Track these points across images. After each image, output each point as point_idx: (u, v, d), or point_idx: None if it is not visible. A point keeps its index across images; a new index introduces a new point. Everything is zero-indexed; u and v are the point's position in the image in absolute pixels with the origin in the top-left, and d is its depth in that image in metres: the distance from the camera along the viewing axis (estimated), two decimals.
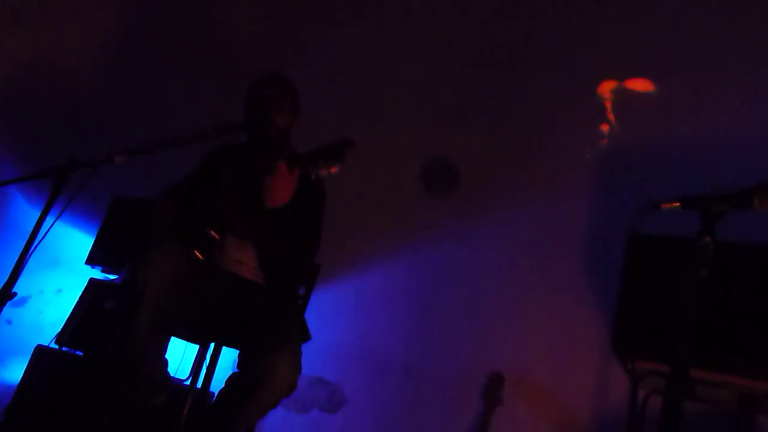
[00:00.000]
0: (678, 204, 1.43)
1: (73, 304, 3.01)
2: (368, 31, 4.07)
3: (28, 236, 2.00)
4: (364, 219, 3.86)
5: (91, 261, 3.27)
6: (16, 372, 3.12)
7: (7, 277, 1.95)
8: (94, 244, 3.32)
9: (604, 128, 3.46)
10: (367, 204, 3.84)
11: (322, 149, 1.91)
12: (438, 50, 3.95)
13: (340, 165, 1.82)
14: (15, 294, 1.92)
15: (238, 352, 2.00)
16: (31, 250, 1.99)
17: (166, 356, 2.07)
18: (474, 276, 3.56)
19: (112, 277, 3.20)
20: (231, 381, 1.89)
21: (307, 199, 2.25)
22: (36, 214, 2.04)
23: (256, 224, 2.20)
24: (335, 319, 3.76)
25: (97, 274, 3.25)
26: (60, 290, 3.73)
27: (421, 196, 3.86)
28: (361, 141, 1.90)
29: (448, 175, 3.80)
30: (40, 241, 1.99)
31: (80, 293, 3.04)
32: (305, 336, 2.14)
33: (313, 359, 3.60)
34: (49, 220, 2.02)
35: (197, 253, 2.03)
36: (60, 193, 2.04)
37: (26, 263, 1.98)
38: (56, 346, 2.87)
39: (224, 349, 2.23)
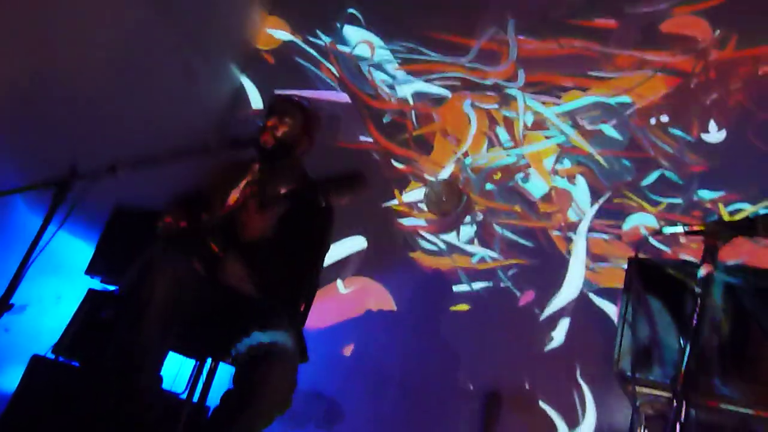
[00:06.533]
0: (681, 231, 1.43)
1: (71, 314, 3.00)
2: None
3: (29, 244, 1.99)
4: (362, 232, 3.87)
5: (91, 271, 3.26)
6: (12, 381, 3.11)
7: (6, 287, 1.95)
8: (94, 253, 3.30)
9: None
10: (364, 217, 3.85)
11: (334, 179, 1.92)
12: None
13: (350, 197, 1.86)
14: (12, 306, 1.91)
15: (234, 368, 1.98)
16: (31, 260, 1.98)
17: (161, 374, 2.05)
18: (474, 293, 3.56)
19: (111, 287, 3.19)
20: (225, 397, 1.87)
21: (310, 227, 2.24)
22: (38, 222, 2.03)
23: (243, 248, 2.20)
24: (333, 334, 3.75)
25: (96, 284, 3.24)
26: (59, 298, 3.72)
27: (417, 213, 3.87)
28: None
29: (452, 196, 3.82)
30: (40, 252, 1.99)
31: (79, 303, 3.03)
32: (303, 356, 2.12)
33: (310, 374, 3.59)
34: (50, 230, 2.01)
35: (198, 266, 2.03)
36: (62, 204, 2.04)
37: (26, 273, 1.97)
38: (53, 356, 2.85)
39: (221, 365, 2.22)
